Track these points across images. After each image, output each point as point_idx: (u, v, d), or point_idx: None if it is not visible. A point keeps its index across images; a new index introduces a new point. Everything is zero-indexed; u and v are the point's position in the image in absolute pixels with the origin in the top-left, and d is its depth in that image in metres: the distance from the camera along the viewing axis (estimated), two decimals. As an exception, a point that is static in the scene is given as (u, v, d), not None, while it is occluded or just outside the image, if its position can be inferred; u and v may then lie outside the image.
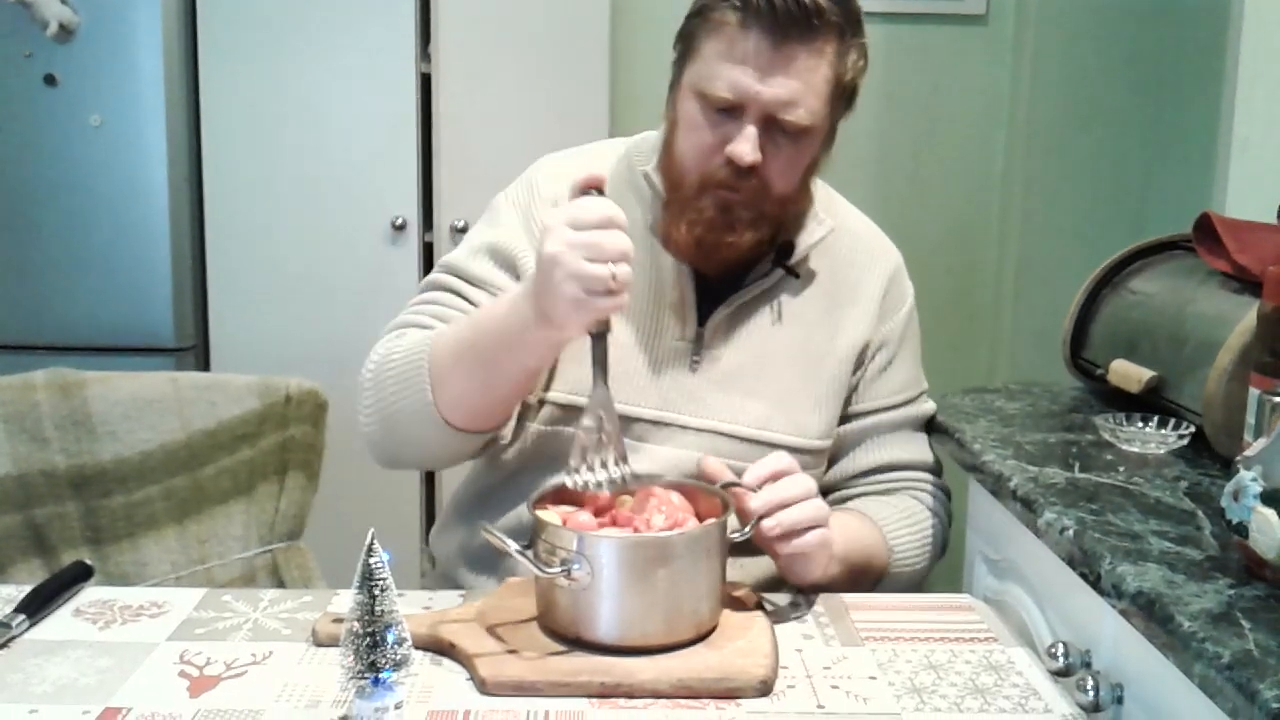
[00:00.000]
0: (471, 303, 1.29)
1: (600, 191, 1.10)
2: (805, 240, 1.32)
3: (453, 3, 2.64)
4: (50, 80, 2.51)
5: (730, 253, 1.26)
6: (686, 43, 1.25)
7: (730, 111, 1.20)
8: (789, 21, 1.17)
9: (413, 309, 1.31)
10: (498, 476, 1.33)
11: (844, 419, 1.37)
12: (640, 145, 1.36)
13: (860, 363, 1.36)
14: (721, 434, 1.29)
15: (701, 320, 1.30)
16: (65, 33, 2.48)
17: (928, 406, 1.44)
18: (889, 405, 1.39)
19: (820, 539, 1.15)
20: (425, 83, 2.67)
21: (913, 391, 1.41)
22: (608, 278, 1.04)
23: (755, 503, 1.11)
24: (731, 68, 1.19)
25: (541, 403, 1.29)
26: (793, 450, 1.30)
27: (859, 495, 1.38)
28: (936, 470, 1.43)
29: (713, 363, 1.31)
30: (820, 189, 1.37)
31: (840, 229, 1.36)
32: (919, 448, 1.41)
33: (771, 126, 1.20)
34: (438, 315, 1.28)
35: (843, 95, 1.25)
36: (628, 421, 1.26)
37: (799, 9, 1.17)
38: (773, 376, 1.31)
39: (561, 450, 1.25)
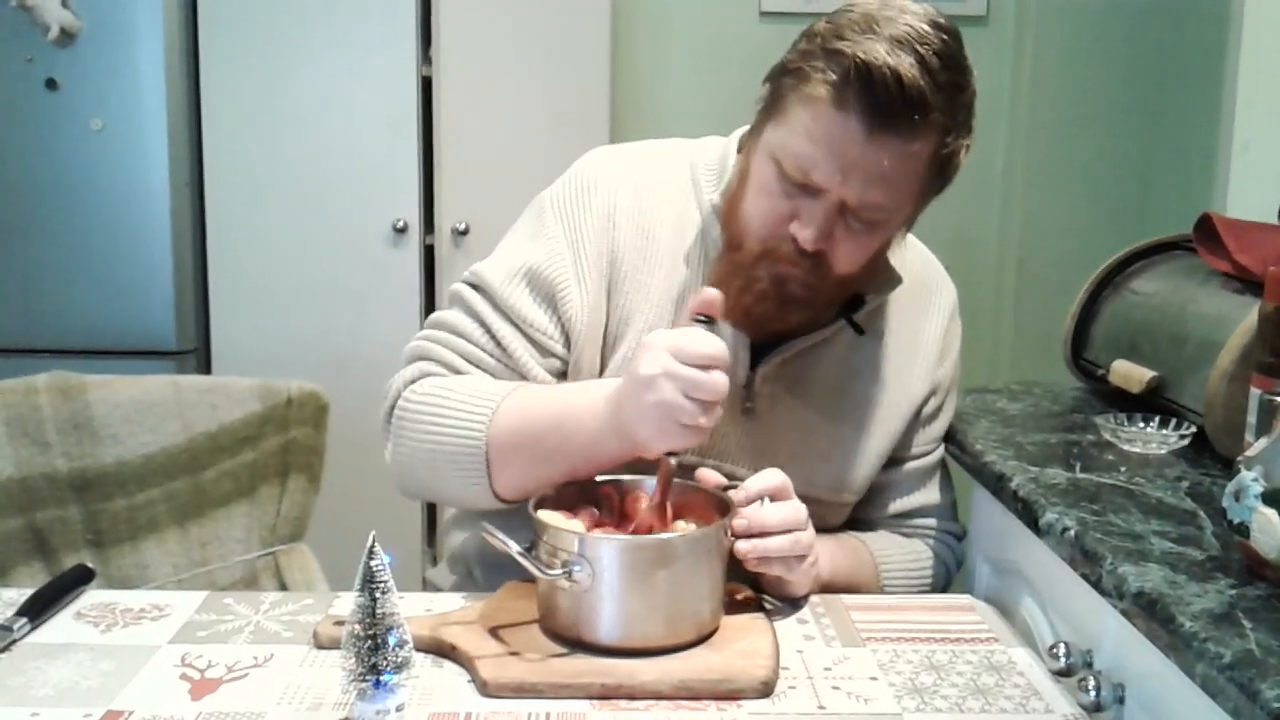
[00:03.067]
0: (496, 338, 1.21)
1: (713, 320, 1.04)
2: (877, 295, 1.25)
3: (453, 6, 2.64)
4: (51, 84, 2.52)
5: (779, 326, 1.19)
6: (774, 97, 1.14)
7: (807, 189, 1.11)
8: (889, 113, 1.05)
9: (435, 335, 1.24)
10: None
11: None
12: (706, 158, 1.26)
13: (918, 412, 1.31)
14: None
15: (755, 363, 1.23)
16: (66, 37, 2.48)
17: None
18: (926, 451, 1.34)
19: (796, 569, 1.13)
20: (426, 86, 2.67)
21: (943, 433, 1.37)
22: (699, 415, 1.01)
23: (737, 523, 1.10)
24: (816, 149, 1.08)
25: None
26: (829, 505, 1.27)
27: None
28: (950, 512, 1.39)
29: (765, 411, 1.24)
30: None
31: (906, 277, 1.27)
32: (938, 491, 1.37)
33: (847, 212, 1.11)
34: (464, 353, 1.21)
35: (934, 187, 1.15)
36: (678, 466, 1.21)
37: (901, 98, 1.04)
38: (826, 430, 1.26)
39: None
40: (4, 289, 2.59)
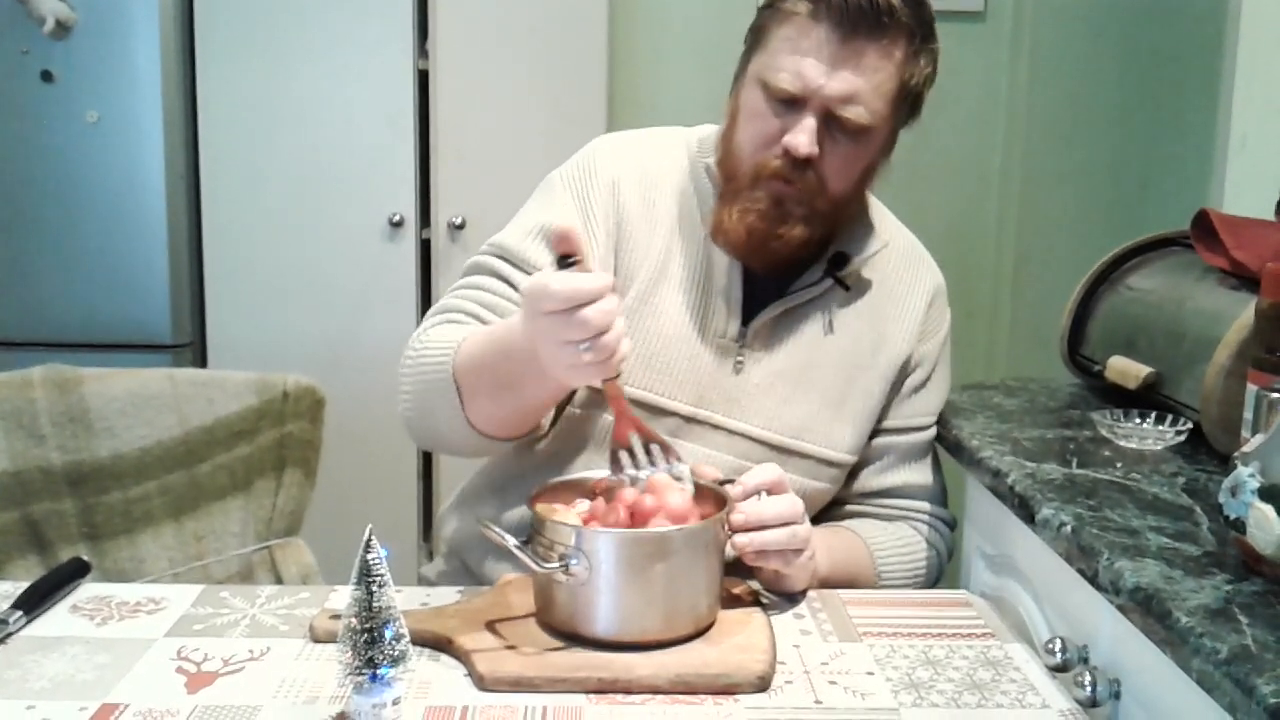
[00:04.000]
0: (519, 289, 1.23)
1: (571, 256, 1.04)
2: (859, 253, 1.31)
3: (450, 0, 2.63)
4: (47, 77, 2.51)
5: (780, 246, 1.24)
6: (756, 35, 1.25)
7: (792, 103, 1.20)
8: (859, 17, 1.17)
9: (459, 292, 1.28)
10: (530, 460, 1.31)
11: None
12: (705, 138, 1.35)
13: (898, 379, 1.35)
14: (754, 439, 1.29)
15: (746, 320, 1.29)
16: (62, 29, 2.47)
17: (934, 428, 1.42)
18: (911, 427, 1.38)
19: (793, 563, 1.15)
20: (423, 80, 2.67)
21: (933, 417, 1.40)
22: (588, 352, 1.01)
23: (735, 518, 1.11)
24: (797, 59, 1.19)
25: None
26: (820, 462, 1.31)
27: (862, 514, 1.38)
28: (941, 499, 1.42)
29: (755, 364, 1.30)
30: (871, 202, 1.36)
31: (891, 245, 1.35)
32: (927, 474, 1.40)
33: (831, 123, 1.20)
34: (485, 303, 1.25)
35: (906, 100, 1.24)
36: (661, 415, 1.26)
37: (870, 5, 1.17)
38: (812, 386, 1.31)
39: (594, 434, 1.26)
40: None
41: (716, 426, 1.28)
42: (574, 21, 2.67)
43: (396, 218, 2.66)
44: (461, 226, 2.69)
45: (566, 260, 1.04)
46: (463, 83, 2.67)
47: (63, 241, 2.57)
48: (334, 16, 2.61)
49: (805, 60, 1.18)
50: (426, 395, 1.20)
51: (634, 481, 1.11)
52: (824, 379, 1.31)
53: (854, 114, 1.19)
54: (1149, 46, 2.84)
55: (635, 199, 1.30)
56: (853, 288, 1.33)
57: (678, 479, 1.11)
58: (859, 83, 1.19)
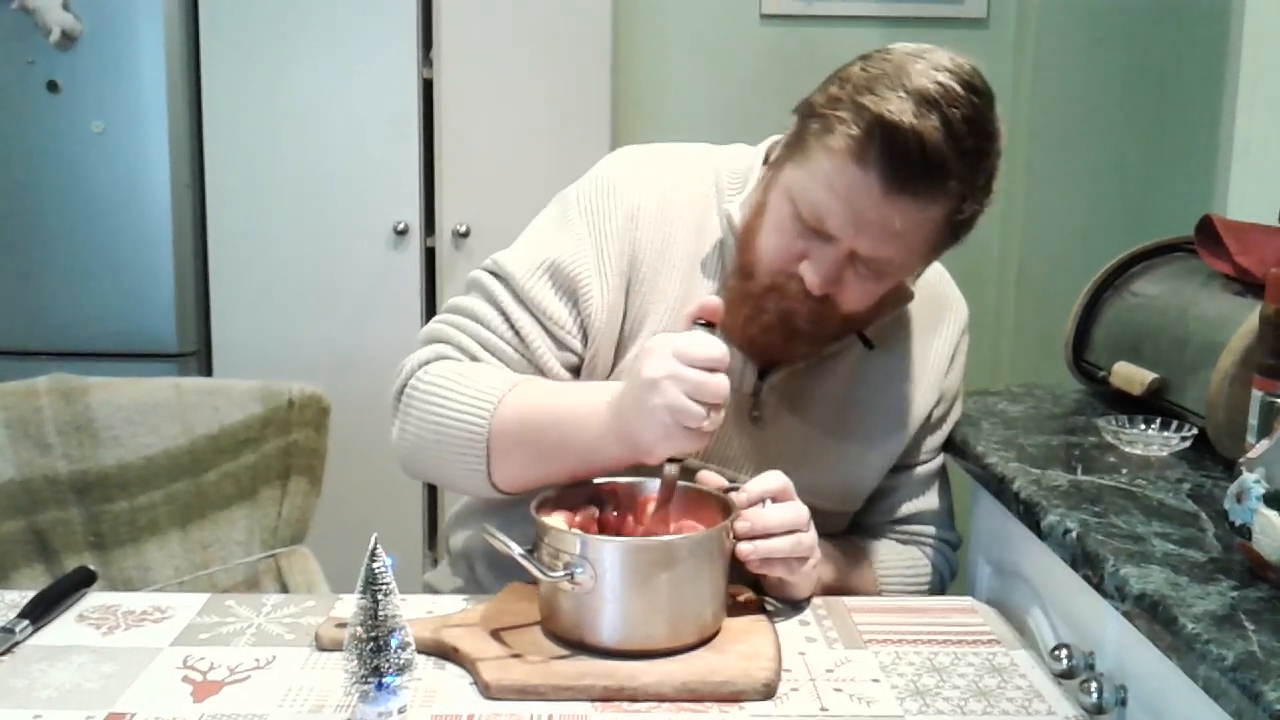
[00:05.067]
0: (516, 328, 1.21)
1: (713, 326, 1.05)
2: (884, 311, 1.24)
3: (454, 8, 2.64)
4: (53, 87, 2.52)
5: (782, 357, 1.21)
6: (798, 138, 1.13)
7: (820, 234, 1.11)
8: (906, 174, 1.05)
9: (454, 320, 1.24)
10: None
11: None
12: (732, 166, 1.26)
13: (924, 423, 1.32)
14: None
15: (762, 374, 1.24)
16: (68, 40, 2.48)
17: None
18: (927, 460, 1.35)
19: (798, 571, 1.14)
20: (427, 88, 2.67)
21: (943, 442, 1.38)
22: (704, 418, 1.01)
23: (739, 525, 1.10)
24: (831, 199, 1.08)
25: None
26: (832, 514, 1.28)
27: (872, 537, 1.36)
28: (948, 520, 1.39)
29: (772, 420, 1.25)
30: None
31: (918, 293, 1.27)
32: (936, 498, 1.37)
33: (857, 260, 1.12)
34: (482, 341, 1.21)
35: (951, 240, 1.15)
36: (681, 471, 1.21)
37: (921, 165, 1.04)
38: (831, 442, 1.27)
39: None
40: (5, 291, 2.59)
41: (730, 480, 1.22)
42: (578, 29, 2.67)
43: (401, 226, 2.66)
44: (466, 234, 2.70)
45: (702, 324, 1.06)
46: (467, 91, 2.67)
47: (68, 251, 2.57)
48: (338, 24, 2.62)
49: (839, 204, 1.08)
50: (440, 444, 1.16)
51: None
52: (844, 434, 1.27)
53: (882, 267, 1.12)
54: (1152, 53, 2.84)
55: (653, 234, 1.23)
56: (877, 344, 1.27)
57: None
58: (891, 244, 1.09)
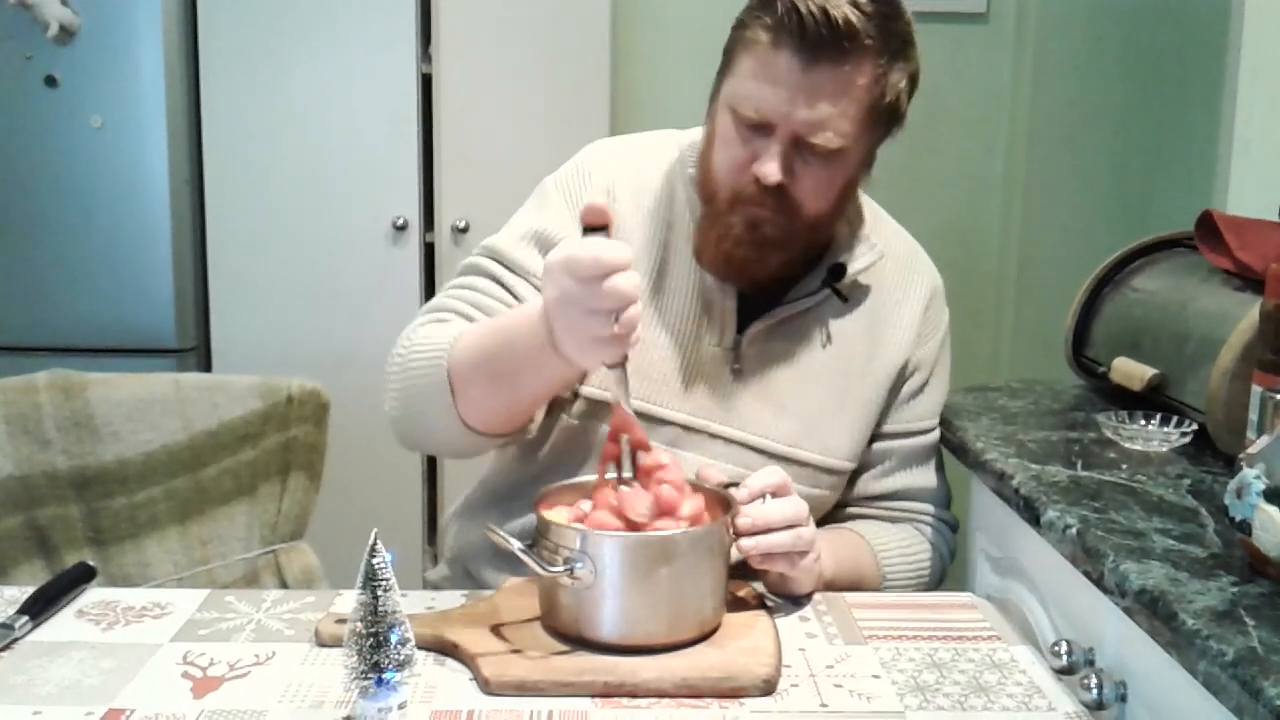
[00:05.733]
0: (512, 291, 1.26)
1: (603, 228, 1.04)
2: (855, 264, 1.31)
3: (453, 3, 2.64)
4: (51, 82, 2.51)
5: (759, 270, 1.24)
6: (726, 56, 1.23)
7: (760, 129, 1.18)
8: (819, 43, 1.14)
9: (451, 292, 1.29)
10: (529, 469, 1.31)
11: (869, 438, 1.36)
12: (694, 138, 1.33)
13: (895, 384, 1.35)
14: (752, 448, 1.28)
15: (741, 329, 1.29)
16: (66, 34, 2.48)
17: (937, 431, 1.41)
18: (911, 431, 1.37)
19: (799, 565, 1.15)
20: (426, 83, 2.67)
21: (934, 419, 1.40)
22: (609, 328, 1.01)
23: (741, 521, 1.10)
24: (761, 87, 1.17)
25: (574, 395, 1.27)
26: (819, 470, 1.31)
27: (865, 517, 1.38)
28: (944, 501, 1.42)
29: (752, 373, 1.29)
30: (868, 208, 1.36)
31: (887, 254, 1.35)
32: (930, 476, 1.40)
33: (801, 147, 1.18)
34: (475, 303, 1.26)
35: (881, 118, 1.21)
36: (660, 424, 1.26)
37: (830, 31, 1.13)
38: (809, 394, 1.30)
39: (593, 444, 1.26)
40: (4, 287, 2.59)
41: (715, 435, 1.28)
42: (577, 24, 2.67)
43: (400, 221, 2.66)
44: (465, 230, 2.69)
45: (593, 229, 1.03)
46: (466, 86, 2.67)
47: (67, 246, 2.57)
48: (337, 20, 2.61)
49: (768, 89, 1.16)
50: (416, 392, 1.20)
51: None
52: (821, 388, 1.31)
53: (823, 139, 1.17)
54: (1152, 48, 2.84)
55: (630, 206, 1.30)
56: (849, 298, 1.33)
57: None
58: (824, 109, 1.16)
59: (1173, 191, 2.80)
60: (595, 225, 1.04)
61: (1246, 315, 1.22)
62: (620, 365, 1.07)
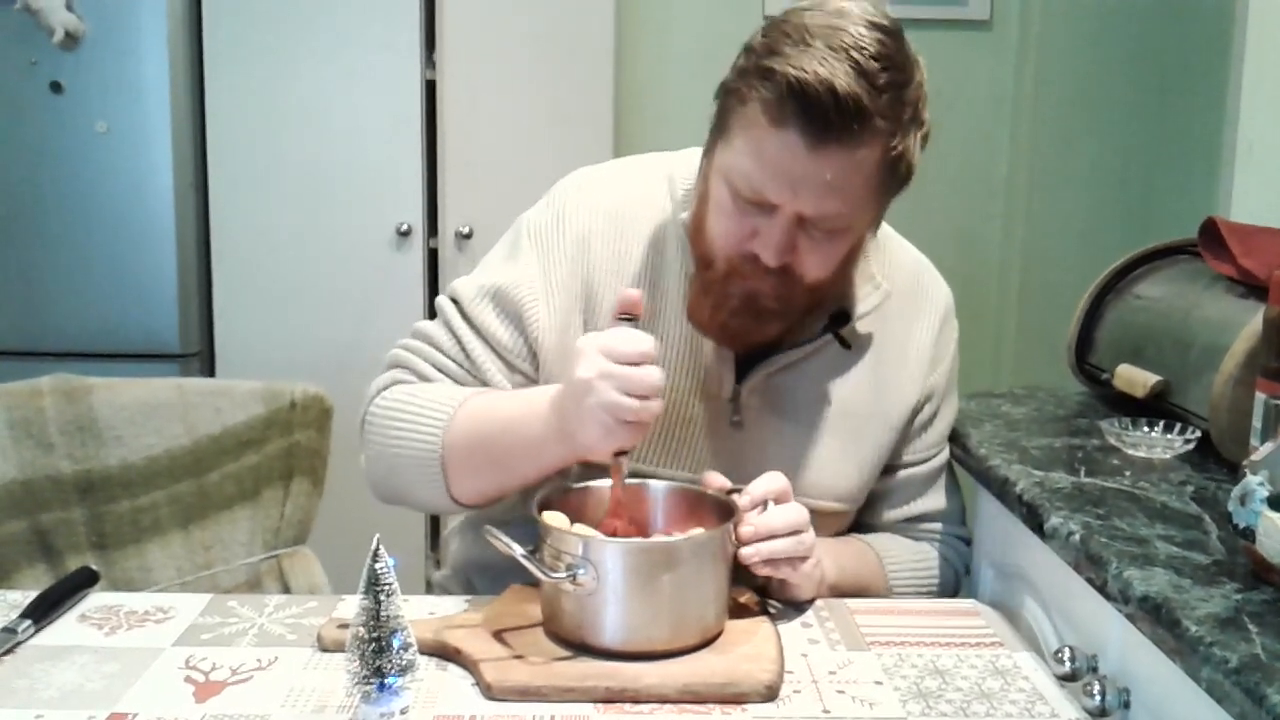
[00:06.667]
0: (466, 351, 1.24)
1: (636, 319, 1.06)
2: (860, 308, 1.25)
3: (458, 9, 2.64)
4: (56, 87, 2.52)
5: (757, 337, 1.20)
6: (719, 118, 1.13)
7: (760, 206, 1.10)
8: (826, 126, 1.03)
9: (410, 344, 1.27)
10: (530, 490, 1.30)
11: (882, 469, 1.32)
12: (684, 171, 1.25)
13: (910, 419, 1.30)
14: None
15: (741, 377, 1.23)
16: (71, 40, 2.48)
17: (948, 448, 1.38)
18: (925, 458, 1.34)
19: (800, 570, 1.14)
20: (430, 89, 2.68)
21: (946, 439, 1.37)
22: (639, 412, 1.02)
23: (744, 530, 1.10)
24: (761, 169, 1.07)
25: None
26: (826, 515, 1.26)
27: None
28: (959, 517, 1.39)
29: (753, 424, 1.24)
30: (871, 244, 1.26)
31: (893, 291, 1.27)
32: (943, 497, 1.37)
33: (806, 223, 1.10)
34: (436, 364, 1.25)
35: (892, 185, 1.12)
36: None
37: (838, 111, 1.02)
38: (815, 442, 1.26)
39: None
40: (8, 291, 2.59)
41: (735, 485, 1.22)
42: (581, 31, 2.67)
43: (404, 227, 2.67)
44: (469, 236, 2.70)
45: (626, 319, 1.07)
46: (470, 93, 2.67)
47: (71, 251, 2.58)
48: (342, 26, 2.62)
49: (769, 173, 1.07)
50: (402, 467, 1.20)
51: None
52: (826, 434, 1.26)
53: (828, 223, 1.10)
54: (1155, 54, 2.84)
55: (607, 255, 1.23)
56: (853, 343, 1.26)
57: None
58: (830, 195, 1.07)
59: (1176, 196, 2.80)
60: (629, 315, 1.07)
61: (1250, 322, 1.21)
62: (628, 453, 1.09)
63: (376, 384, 1.26)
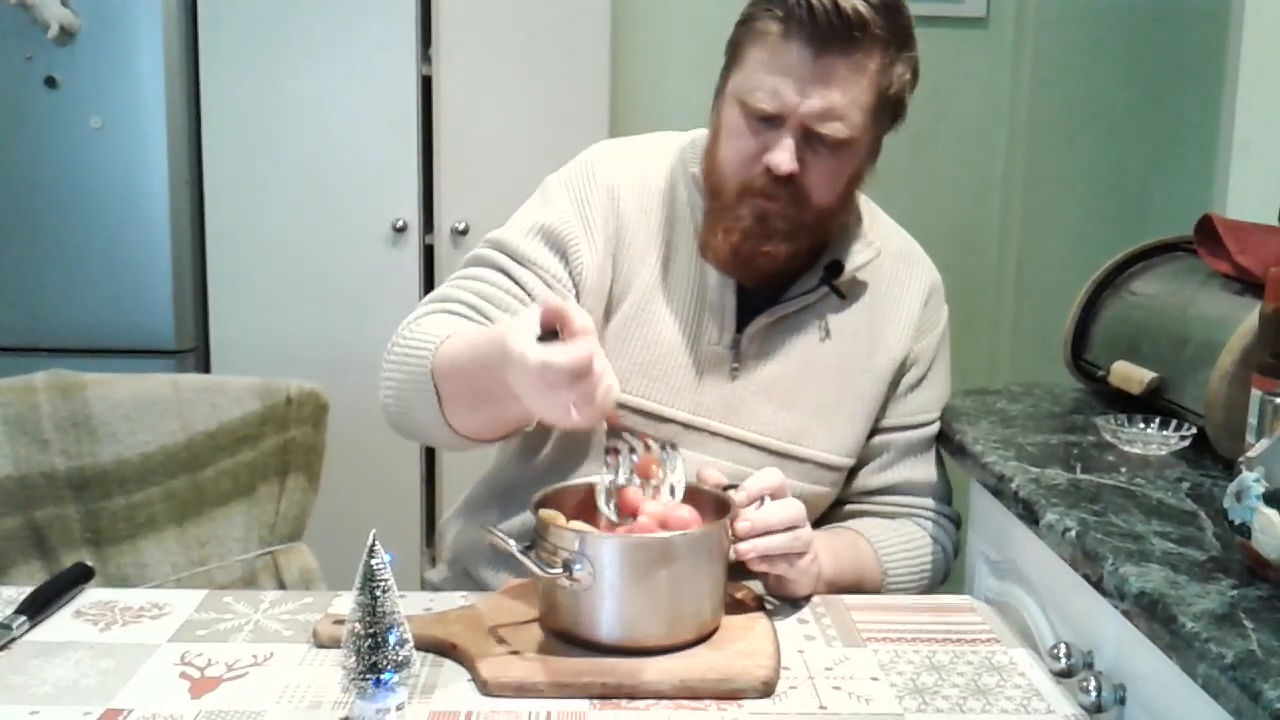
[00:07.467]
0: (519, 283, 1.25)
1: (557, 334, 1.00)
2: (853, 261, 1.32)
3: (453, 5, 2.64)
4: (51, 82, 2.51)
5: (766, 263, 1.25)
6: (733, 51, 1.25)
7: (770, 121, 1.20)
8: (830, 33, 1.17)
9: (456, 282, 1.28)
10: (530, 468, 1.31)
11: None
12: (694, 145, 1.35)
13: (894, 378, 1.36)
14: (752, 445, 1.29)
15: (741, 327, 1.30)
16: (66, 35, 2.48)
17: (937, 425, 1.41)
18: (909, 424, 1.38)
19: (797, 566, 1.15)
20: (426, 85, 2.67)
21: (934, 414, 1.40)
22: (573, 415, 0.97)
23: (740, 525, 1.11)
24: (771, 78, 1.19)
25: None
26: (819, 466, 1.31)
27: (865, 513, 1.38)
28: (945, 496, 1.42)
29: (750, 371, 1.30)
30: (865, 206, 1.36)
31: (884, 251, 1.36)
32: (929, 470, 1.40)
33: (811, 137, 1.20)
34: (480, 293, 1.25)
35: (886, 109, 1.24)
36: (661, 422, 1.27)
37: (840, 21, 1.16)
38: (810, 390, 1.31)
39: (593, 444, 1.26)
40: (3, 287, 2.58)
41: (714, 433, 1.29)
42: (577, 27, 2.67)
43: (400, 223, 2.66)
44: (465, 232, 2.69)
45: (550, 335, 1.00)
46: (466, 88, 2.67)
47: (66, 247, 2.57)
48: (337, 21, 2.61)
49: (779, 79, 1.18)
50: (406, 389, 1.19)
51: (632, 450, 1.11)
52: (820, 384, 1.32)
53: (832, 129, 1.19)
54: (1151, 52, 2.84)
55: (633, 206, 1.31)
56: (847, 295, 1.34)
57: (666, 460, 1.11)
58: (835, 98, 1.18)
59: (1172, 194, 2.81)
60: (552, 329, 1.00)
61: (1246, 319, 1.22)
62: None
63: (410, 315, 1.25)
